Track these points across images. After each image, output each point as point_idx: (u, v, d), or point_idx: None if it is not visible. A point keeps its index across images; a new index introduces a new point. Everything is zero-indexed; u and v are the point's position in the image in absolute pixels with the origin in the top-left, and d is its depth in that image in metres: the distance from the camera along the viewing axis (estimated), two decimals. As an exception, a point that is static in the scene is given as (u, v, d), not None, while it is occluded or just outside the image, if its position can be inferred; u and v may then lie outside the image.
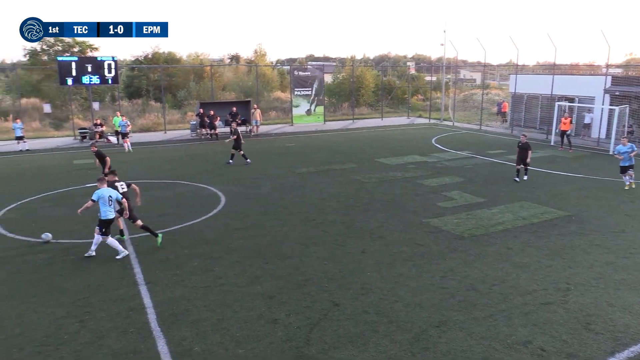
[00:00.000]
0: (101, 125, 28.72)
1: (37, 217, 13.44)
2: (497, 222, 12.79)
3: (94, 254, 10.60)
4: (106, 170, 15.59)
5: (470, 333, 7.43)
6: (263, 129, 32.75)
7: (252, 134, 30.06)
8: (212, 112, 28.80)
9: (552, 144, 26.05)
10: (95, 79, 27.64)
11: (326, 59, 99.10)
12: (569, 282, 9.20)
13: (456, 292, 8.82)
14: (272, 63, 58.65)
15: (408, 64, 68.72)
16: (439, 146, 25.42)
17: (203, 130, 29.10)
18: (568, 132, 24.11)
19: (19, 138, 25.66)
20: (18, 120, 26.33)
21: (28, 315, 8.12)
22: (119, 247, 10.60)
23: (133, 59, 47.43)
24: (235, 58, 59.29)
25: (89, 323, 7.84)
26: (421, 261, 10.24)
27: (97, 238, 10.56)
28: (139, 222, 11.24)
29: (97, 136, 28.04)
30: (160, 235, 11.37)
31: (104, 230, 10.48)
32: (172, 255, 10.62)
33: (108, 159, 16.25)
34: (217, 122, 28.91)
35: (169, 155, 23.57)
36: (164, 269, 9.93)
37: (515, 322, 7.73)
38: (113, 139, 27.60)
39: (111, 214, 10.52)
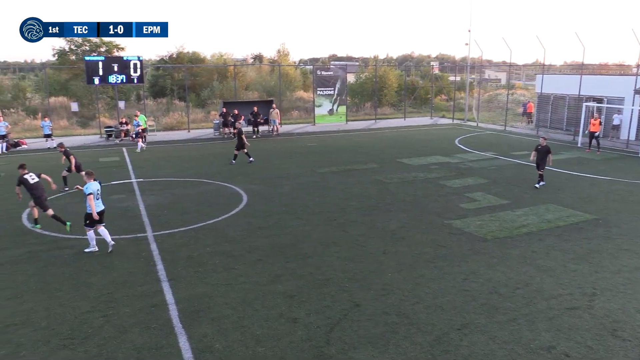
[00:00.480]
0: (126, 123, 29.18)
1: (64, 213, 13.72)
2: (521, 224, 12.58)
3: (96, 248, 10.87)
4: (72, 168, 16.35)
5: (493, 337, 7.33)
6: (285, 128, 32.89)
7: (274, 133, 30.16)
8: (236, 111, 29.05)
9: (579, 145, 25.51)
10: (121, 79, 28.14)
11: (349, 58, 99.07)
12: (595, 287, 9.00)
13: (478, 295, 8.71)
14: (295, 63, 58.83)
15: (432, 63, 68.05)
16: (462, 147, 25.14)
17: (226, 129, 29.39)
18: (597, 134, 23.56)
19: (47, 136, 26.29)
20: (46, 119, 26.98)
21: (54, 309, 8.31)
22: (93, 242, 10.86)
23: (158, 58, 48.12)
24: (258, 58, 59.76)
25: (112, 318, 7.98)
26: (443, 263, 10.14)
27: (91, 233, 10.85)
28: (50, 211, 12.00)
29: (123, 134, 28.54)
30: (68, 223, 11.92)
31: (88, 222, 10.75)
32: (194, 253, 10.74)
33: (73, 157, 16.52)
34: (241, 121, 29.15)
35: (192, 153, 23.83)
36: (187, 266, 10.05)
37: (539, 327, 7.60)
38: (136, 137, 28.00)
39: (99, 206, 10.85)
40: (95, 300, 8.62)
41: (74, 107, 32.58)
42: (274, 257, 10.50)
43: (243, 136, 21.00)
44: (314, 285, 9.15)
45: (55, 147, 25.90)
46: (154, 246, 11.17)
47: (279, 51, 53.96)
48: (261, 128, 30.31)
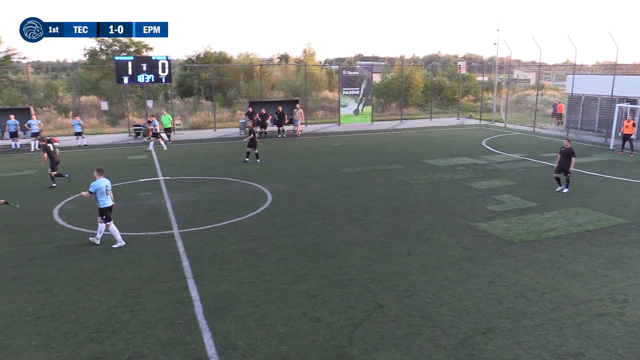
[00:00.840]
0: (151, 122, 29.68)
1: (94, 210, 14.03)
2: (550, 228, 12.31)
3: (98, 242, 11.20)
4: (43, 162, 17.04)
5: (519, 342, 7.19)
6: (310, 128, 32.95)
7: (298, 133, 30.20)
8: (263, 111, 29.28)
9: (611, 147, 24.83)
10: (150, 78, 28.65)
11: (375, 58, 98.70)
12: (627, 294, 8.74)
13: (504, 298, 8.56)
14: (320, 62, 58.87)
15: (459, 63, 67.24)
16: (489, 148, 24.76)
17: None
18: (631, 136, 22.88)
19: (78, 134, 26.93)
20: (77, 117, 27.65)
21: (83, 302, 8.50)
22: (118, 236, 11.14)
23: (186, 58, 48.80)
24: (284, 57, 59.97)
25: (139, 313, 8.12)
26: (468, 265, 10.00)
27: (101, 227, 11.17)
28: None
29: (150, 133, 29.00)
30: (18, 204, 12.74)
31: (104, 217, 11.09)
32: (219, 251, 10.85)
33: (45, 155, 16.90)
34: (268, 121, 29.37)
35: (219, 152, 24.08)
36: (212, 263, 10.16)
37: (567, 333, 7.42)
38: (165, 136, 28.43)
39: (109, 202, 11.14)
40: (122, 295, 8.79)
41: (104, 105, 33.31)
42: (297, 256, 10.52)
43: (254, 135, 21.04)
44: (337, 285, 9.13)
45: (85, 145, 26.57)
46: (179, 243, 11.33)
47: (304, 51, 54.12)
48: (286, 128, 30.40)
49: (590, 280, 9.28)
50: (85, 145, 26.68)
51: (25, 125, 25.74)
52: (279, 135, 29.45)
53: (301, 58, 53.57)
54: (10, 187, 17.00)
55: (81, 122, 27.47)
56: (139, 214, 13.63)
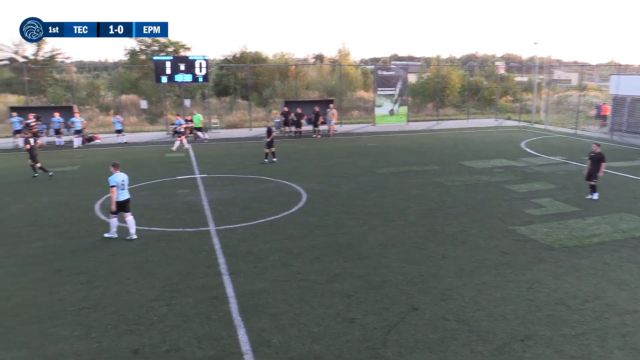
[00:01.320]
0: (191, 121, 30.25)
1: (135, 205, 14.35)
2: (592, 233, 11.90)
3: (115, 236, 11.59)
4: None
5: (559, 350, 6.97)
6: (345, 128, 32.88)
7: (331, 134, 30.08)
8: (299, 110, 29.41)
9: (658, 151, 23.82)
10: (188, 78, 29.19)
11: (410, 58, 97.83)
12: (676, 304, 8.35)
13: (544, 305, 8.31)
14: (355, 62, 58.70)
15: (497, 63, 65.91)
16: (528, 150, 24.13)
17: (287, 127, 29.82)
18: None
19: (119, 131, 27.72)
20: (118, 115, 28.47)
21: (122, 295, 8.73)
22: (114, 228, 11.58)
23: (222, 58, 49.52)
24: (319, 57, 60.11)
25: (175, 307, 8.28)
26: (506, 270, 9.77)
27: (113, 221, 11.52)
28: None
29: (188, 131, 29.54)
30: None
31: (117, 210, 11.45)
32: (254, 249, 10.95)
33: (28, 146, 18.00)
34: (303, 121, 29.49)
35: (254, 151, 24.28)
36: (247, 261, 10.26)
37: (611, 344, 7.14)
38: (201, 135, 28.92)
39: (124, 196, 11.48)
40: (160, 289, 8.97)
41: (143, 104, 34.17)
42: (331, 256, 10.51)
43: (273, 135, 21.02)
44: (372, 286, 9.07)
45: (125, 142, 27.30)
46: (215, 240, 11.49)
47: (339, 51, 54.10)
48: (321, 128, 30.38)
49: (636, 290, 8.91)
50: (125, 142, 27.40)
51: (69, 122, 26.64)
52: (314, 135, 29.51)
53: (336, 58, 53.57)
54: (54, 182, 17.62)
55: (121, 120, 28.25)
56: (176, 211, 13.91)
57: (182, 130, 25.67)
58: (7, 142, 26.72)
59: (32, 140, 18.25)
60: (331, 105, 31.24)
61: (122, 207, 11.53)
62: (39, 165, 18.12)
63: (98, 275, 9.61)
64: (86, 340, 7.30)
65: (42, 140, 24.58)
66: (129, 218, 11.56)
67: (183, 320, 7.87)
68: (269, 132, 20.94)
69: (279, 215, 13.39)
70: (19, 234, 12.06)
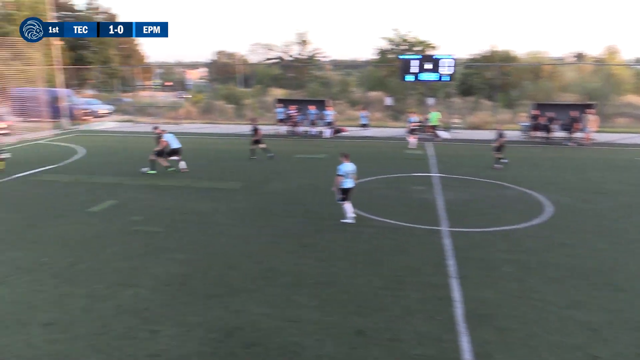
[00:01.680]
0: (426, 119, 30.35)
1: (372, 196, 15.20)
2: None
3: (352, 221, 12.26)
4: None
5: None
6: (606, 137, 28.60)
7: (586, 142, 26.43)
8: (552, 115, 26.80)
9: None
10: (433, 76, 29.28)
11: None
12: None
13: None
14: (625, 62, 50.49)
15: None
16: None
17: (537, 132, 27.47)
18: None
19: (364, 125, 29.61)
20: (365, 110, 30.40)
21: (354, 278, 9.30)
22: (349, 213, 12.43)
23: (470, 57, 48.32)
24: (579, 56, 53.70)
25: (401, 299, 8.43)
26: None
27: (347, 206, 12.39)
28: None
29: (426, 130, 29.76)
30: None
31: (344, 197, 12.34)
32: (487, 256, 10.41)
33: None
34: (555, 126, 26.76)
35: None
36: (477, 267, 9.82)
37: None
38: (442, 134, 28.76)
39: (348, 184, 12.24)
40: (387, 278, 9.27)
41: (388, 101, 35.72)
42: (575, 280, 9.28)
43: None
44: (626, 325, 7.68)
45: (369, 136, 29.02)
46: (447, 241, 11.30)
47: (607, 48, 47.21)
48: (576, 135, 26.99)
49: None
50: (370, 136, 29.11)
51: (322, 115, 29.59)
52: (568, 143, 26.42)
53: (602, 57, 46.95)
54: (308, 166, 19.86)
55: (368, 114, 30.08)
56: (410, 206, 14.17)
57: (416, 127, 25.88)
58: (271, 129, 31.08)
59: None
60: (589, 111, 27.38)
61: (345, 193, 12.43)
62: (262, 146, 21.25)
63: (335, 255, 10.43)
64: (319, 312, 8.01)
65: (300, 129, 27.93)
66: (347, 205, 12.48)
67: (407, 313, 7.98)
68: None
69: (517, 226, 12.42)
70: (274, 211, 13.86)
